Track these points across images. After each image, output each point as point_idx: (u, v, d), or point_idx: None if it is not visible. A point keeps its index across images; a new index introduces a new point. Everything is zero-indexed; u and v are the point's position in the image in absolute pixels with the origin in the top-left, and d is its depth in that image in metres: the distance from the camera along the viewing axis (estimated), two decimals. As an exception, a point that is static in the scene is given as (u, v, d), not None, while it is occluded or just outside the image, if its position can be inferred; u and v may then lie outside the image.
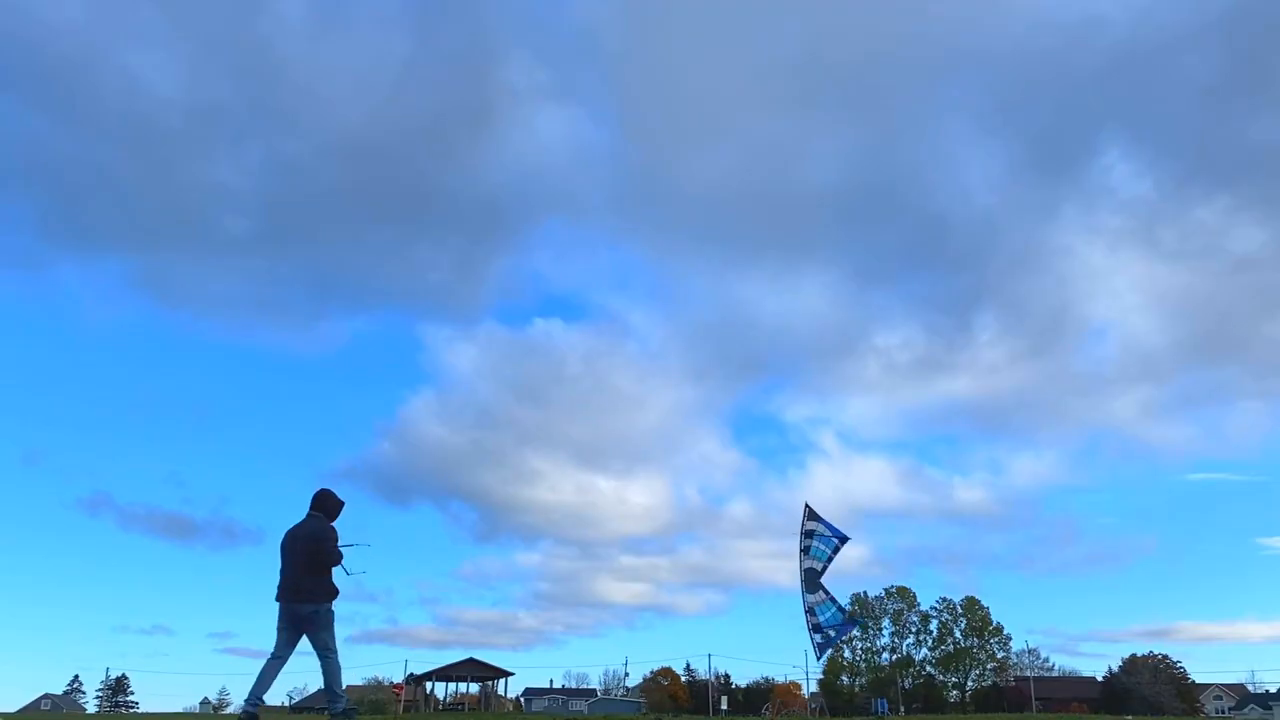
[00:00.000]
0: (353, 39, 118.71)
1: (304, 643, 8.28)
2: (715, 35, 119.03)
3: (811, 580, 18.29)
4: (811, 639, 18.12)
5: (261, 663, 8.10)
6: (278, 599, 8.33)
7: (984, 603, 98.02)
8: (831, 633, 18.21)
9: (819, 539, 18.58)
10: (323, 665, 8.29)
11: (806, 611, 18.38)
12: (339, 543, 8.44)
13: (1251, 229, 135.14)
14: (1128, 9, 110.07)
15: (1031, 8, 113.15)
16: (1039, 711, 74.62)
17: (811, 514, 18.74)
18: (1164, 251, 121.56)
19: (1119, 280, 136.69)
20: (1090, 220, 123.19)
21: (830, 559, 18.23)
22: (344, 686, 8.49)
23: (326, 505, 8.70)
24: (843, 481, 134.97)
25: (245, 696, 8.32)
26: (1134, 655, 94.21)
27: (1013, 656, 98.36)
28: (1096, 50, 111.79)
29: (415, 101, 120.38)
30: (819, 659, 18.12)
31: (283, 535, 8.52)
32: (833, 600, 18.20)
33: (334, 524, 8.71)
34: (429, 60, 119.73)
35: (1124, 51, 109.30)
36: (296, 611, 8.20)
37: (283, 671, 8.27)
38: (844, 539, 18.43)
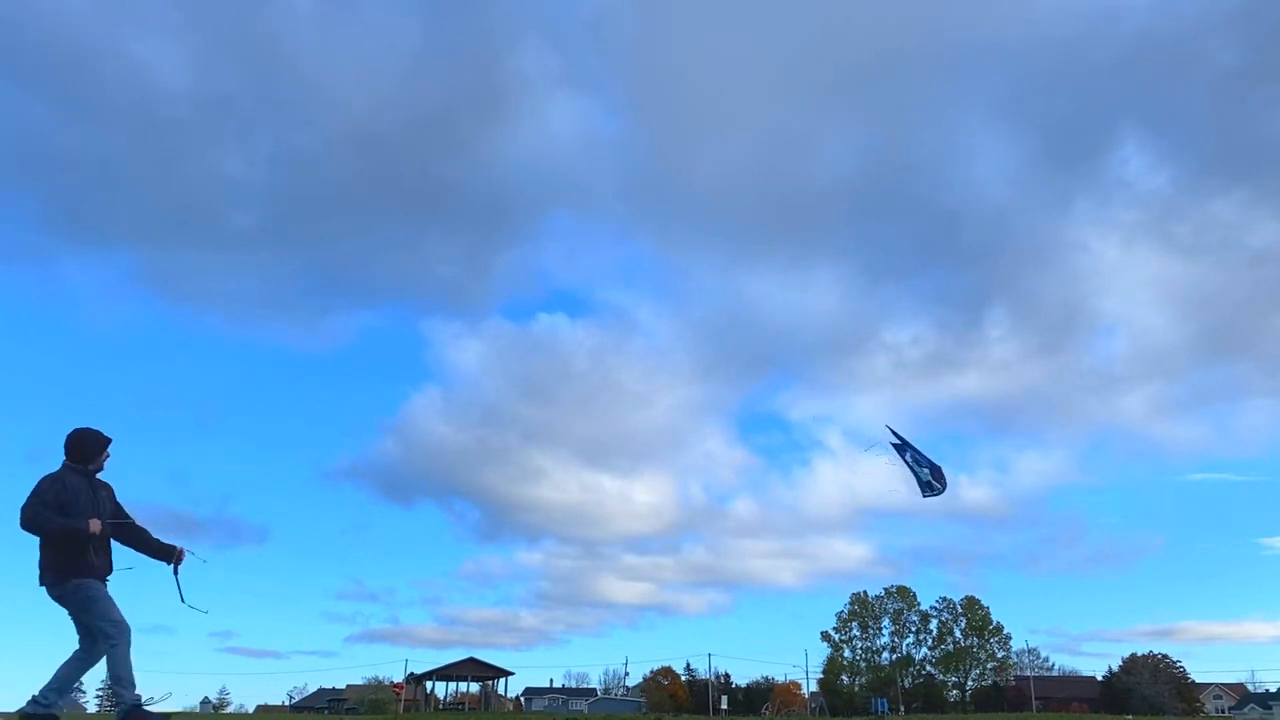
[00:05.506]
0: (361, 29, 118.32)
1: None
2: (728, 27, 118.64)
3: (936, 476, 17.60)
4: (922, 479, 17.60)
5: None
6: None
7: (986, 602, 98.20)
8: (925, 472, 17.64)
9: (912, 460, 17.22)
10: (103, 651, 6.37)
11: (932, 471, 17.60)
12: (42, 498, 6.29)
13: (1269, 223, 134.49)
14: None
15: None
16: (1039, 711, 74.64)
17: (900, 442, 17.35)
18: (1179, 246, 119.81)
19: (1132, 276, 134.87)
20: (1105, 214, 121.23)
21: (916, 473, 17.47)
22: (129, 671, 6.39)
23: (66, 446, 6.49)
24: (848, 480, 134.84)
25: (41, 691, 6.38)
26: (1134, 655, 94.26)
27: (1013, 656, 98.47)
28: (1114, 41, 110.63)
29: (425, 93, 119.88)
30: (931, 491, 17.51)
31: None
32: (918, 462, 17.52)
33: (72, 467, 6.43)
34: (439, 50, 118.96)
35: (1142, 42, 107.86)
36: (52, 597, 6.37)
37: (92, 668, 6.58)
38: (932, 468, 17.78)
